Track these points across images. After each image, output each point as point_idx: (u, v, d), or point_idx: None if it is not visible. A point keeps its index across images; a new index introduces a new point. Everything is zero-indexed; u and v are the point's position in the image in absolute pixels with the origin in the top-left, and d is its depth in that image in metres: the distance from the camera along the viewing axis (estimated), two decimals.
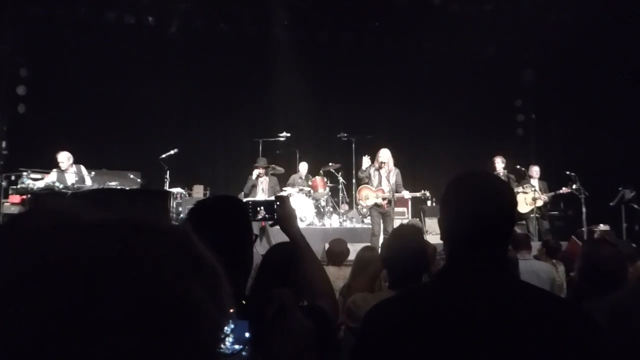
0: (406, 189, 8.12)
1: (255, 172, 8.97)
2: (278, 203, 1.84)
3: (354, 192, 10.11)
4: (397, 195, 7.92)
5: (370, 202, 7.96)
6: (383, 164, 7.91)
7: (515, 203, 1.32)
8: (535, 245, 6.52)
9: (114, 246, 0.47)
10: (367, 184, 8.02)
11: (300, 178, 10.03)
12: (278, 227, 1.85)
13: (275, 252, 2.50)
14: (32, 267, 0.44)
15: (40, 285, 0.43)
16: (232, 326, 1.12)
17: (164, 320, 0.46)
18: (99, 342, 0.42)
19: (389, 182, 7.87)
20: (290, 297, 1.22)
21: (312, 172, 10.21)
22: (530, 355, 1.08)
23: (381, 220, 7.96)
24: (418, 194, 8.29)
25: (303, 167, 10.18)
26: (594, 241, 3.75)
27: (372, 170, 8.04)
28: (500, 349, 1.09)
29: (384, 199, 7.85)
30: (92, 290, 0.43)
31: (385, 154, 7.91)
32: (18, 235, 0.47)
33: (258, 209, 1.86)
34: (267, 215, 1.87)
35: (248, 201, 1.96)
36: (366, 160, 8.09)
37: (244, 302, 1.30)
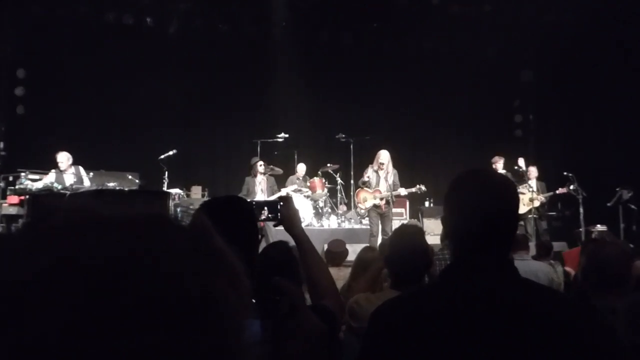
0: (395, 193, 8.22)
1: (261, 167, 8.93)
2: (282, 203, 1.85)
3: (352, 193, 10.12)
4: (393, 193, 7.95)
5: (368, 204, 8.01)
6: (382, 165, 7.95)
7: (517, 201, 1.31)
8: (533, 245, 6.56)
9: (133, 244, 0.47)
10: (364, 185, 8.08)
11: (298, 179, 10.03)
12: (277, 227, 1.86)
13: (272, 251, 2.50)
14: (49, 266, 0.44)
15: (55, 285, 0.43)
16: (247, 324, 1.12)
17: (184, 319, 0.45)
18: (116, 341, 0.42)
19: (387, 182, 7.93)
20: (300, 295, 1.22)
21: (311, 173, 10.20)
22: (537, 354, 1.08)
23: (379, 221, 8.01)
24: (414, 189, 8.25)
25: (301, 168, 10.16)
26: (598, 241, 3.76)
27: (370, 171, 8.09)
28: (506, 348, 1.09)
29: (381, 199, 7.90)
30: (109, 289, 0.43)
31: (385, 156, 7.97)
32: (40, 234, 0.47)
33: (262, 209, 1.87)
34: (270, 216, 1.88)
35: (252, 201, 1.97)
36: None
37: (253, 300, 1.30)
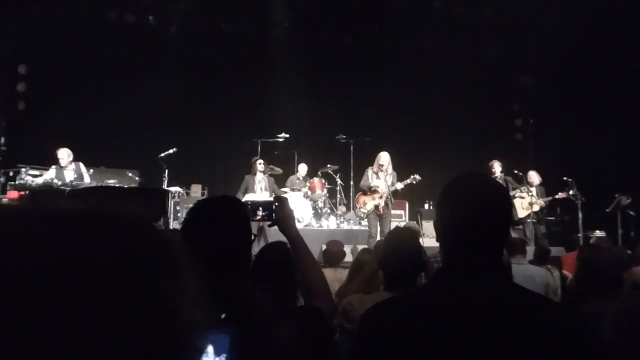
0: (403, 192, 8.22)
1: (260, 166, 8.94)
2: (277, 204, 1.86)
3: (351, 194, 10.13)
4: (390, 189, 7.98)
5: (369, 207, 8.03)
6: (382, 167, 7.99)
7: (510, 203, 1.33)
8: (531, 250, 6.56)
9: (74, 241, 0.47)
10: (370, 190, 8.09)
11: (298, 179, 10.04)
12: (275, 227, 1.87)
13: (269, 252, 2.50)
14: (42, 265, 0.44)
15: (46, 284, 0.44)
16: (212, 340, 1.13)
17: (127, 314, 0.46)
18: (61, 341, 0.43)
19: (386, 183, 7.97)
20: (274, 307, 1.23)
21: (310, 173, 10.22)
22: (528, 357, 1.09)
23: (378, 223, 8.03)
24: (408, 180, 8.23)
25: (302, 168, 10.17)
26: (592, 246, 3.79)
27: (370, 173, 8.11)
28: (497, 350, 1.10)
29: (380, 197, 7.92)
30: (52, 287, 0.44)
31: (385, 158, 8.02)
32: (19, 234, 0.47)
33: (257, 209, 1.88)
34: (265, 216, 1.89)
35: (247, 202, 1.98)
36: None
37: (223, 316, 1.29)
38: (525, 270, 4.48)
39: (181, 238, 1.44)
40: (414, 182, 8.23)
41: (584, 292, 2.38)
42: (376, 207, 7.99)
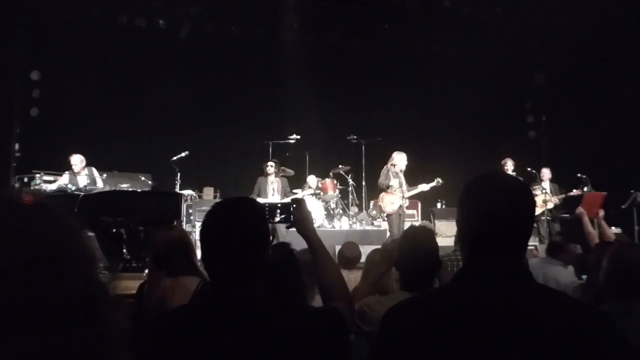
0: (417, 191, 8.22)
1: (269, 168, 8.94)
2: (294, 205, 1.85)
3: (363, 195, 10.10)
4: (412, 192, 7.97)
5: (396, 206, 8.00)
6: (394, 166, 8.00)
7: (533, 205, 1.30)
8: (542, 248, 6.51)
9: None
10: (388, 189, 8.07)
11: (310, 188, 9.94)
12: (285, 228, 1.86)
13: (273, 253, 2.48)
14: None
15: None
16: None
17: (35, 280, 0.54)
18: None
19: (400, 183, 7.99)
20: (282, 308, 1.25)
21: (322, 174, 10.18)
22: (547, 358, 1.07)
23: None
24: (433, 183, 8.35)
25: (312, 180, 10.06)
26: (625, 243, 3.67)
27: (386, 173, 8.12)
28: (517, 353, 1.08)
29: (403, 197, 7.96)
30: None
31: (399, 159, 8.04)
32: None
33: (275, 211, 1.88)
34: (283, 218, 1.88)
35: (265, 203, 1.97)
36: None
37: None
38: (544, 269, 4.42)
39: (202, 239, 1.44)
40: (438, 185, 8.31)
41: (615, 291, 2.29)
42: (401, 206, 7.99)
